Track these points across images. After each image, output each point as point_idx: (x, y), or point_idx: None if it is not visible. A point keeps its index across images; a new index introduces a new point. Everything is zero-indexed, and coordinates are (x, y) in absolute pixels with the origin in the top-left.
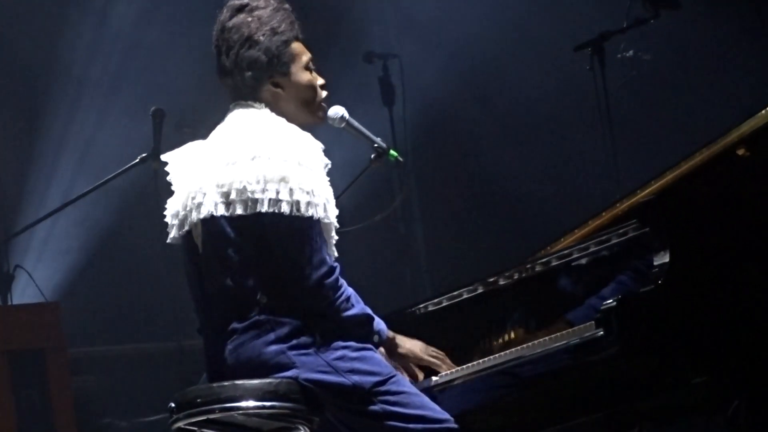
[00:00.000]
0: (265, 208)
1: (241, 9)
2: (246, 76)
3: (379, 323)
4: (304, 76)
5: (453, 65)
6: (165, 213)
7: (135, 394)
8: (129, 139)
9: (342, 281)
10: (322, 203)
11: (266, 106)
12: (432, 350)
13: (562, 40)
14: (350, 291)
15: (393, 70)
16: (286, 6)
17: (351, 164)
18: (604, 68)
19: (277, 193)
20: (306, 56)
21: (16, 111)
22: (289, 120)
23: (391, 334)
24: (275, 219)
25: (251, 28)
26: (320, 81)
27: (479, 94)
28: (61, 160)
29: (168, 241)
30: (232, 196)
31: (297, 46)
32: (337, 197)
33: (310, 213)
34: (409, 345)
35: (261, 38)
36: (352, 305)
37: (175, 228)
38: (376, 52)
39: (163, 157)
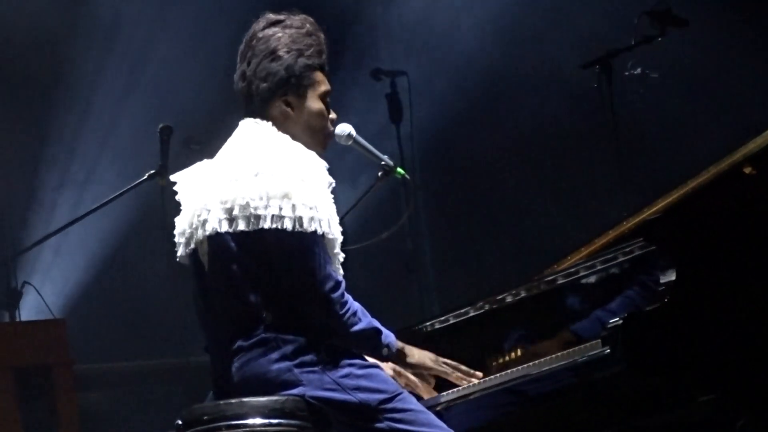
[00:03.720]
0: (268, 224)
1: (276, 23)
2: (261, 87)
3: (387, 335)
4: (317, 105)
5: (460, 82)
6: (173, 231)
7: (141, 411)
8: (136, 156)
9: (348, 296)
10: (326, 218)
11: (273, 124)
12: (443, 361)
13: (569, 58)
14: (357, 305)
15: (401, 87)
16: (321, 34)
17: (358, 182)
18: (611, 86)
19: (280, 209)
20: (324, 87)
21: (24, 127)
22: (293, 140)
23: (400, 344)
24: (278, 235)
25: (280, 43)
26: (332, 116)
27: (486, 112)
28: (68, 177)
29: (177, 259)
30: (236, 212)
31: (319, 75)
32: (344, 214)
33: (313, 228)
34: (419, 355)
35: (286, 55)
36: (360, 319)
37: (182, 246)
38: (384, 69)
39: (173, 177)
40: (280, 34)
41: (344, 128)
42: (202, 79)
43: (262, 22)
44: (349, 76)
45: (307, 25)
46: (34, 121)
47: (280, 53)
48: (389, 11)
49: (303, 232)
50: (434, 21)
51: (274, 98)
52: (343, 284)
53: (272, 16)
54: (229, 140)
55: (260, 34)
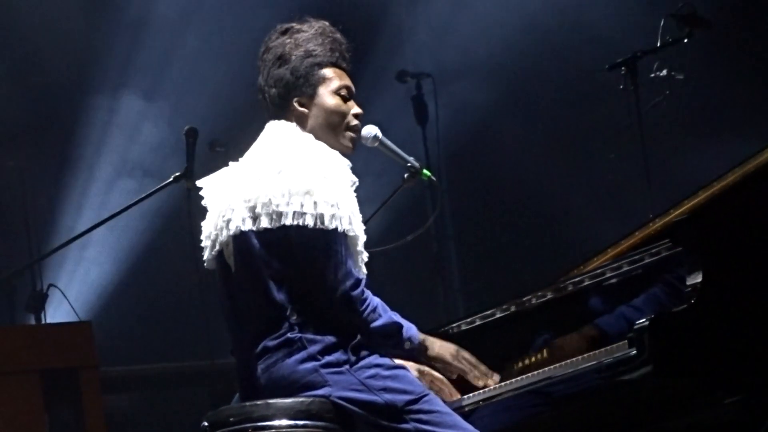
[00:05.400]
0: (289, 221)
1: (285, 32)
2: (272, 93)
3: (409, 329)
4: (331, 101)
5: (486, 84)
6: (199, 233)
7: (167, 413)
8: (162, 159)
9: (368, 292)
10: (347, 216)
11: (297, 125)
12: (464, 355)
13: (595, 60)
14: (376, 301)
15: (426, 89)
16: (333, 33)
17: (384, 184)
18: (637, 88)
19: (302, 205)
20: (338, 82)
21: (49, 130)
22: (317, 139)
23: (421, 336)
24: (300, 231)
25: (285, 49)
26: (355, 110)
27: (512, 113)
28: (94, 179)
29: (205, 265)
30: (258, 209)
31: (330, 71)
32: (370, 216)
33: (334, 225)
34: (439, 349)
35: (292, 58)
36: (379, 315)
37: (208, 249)
38: (410, 71)
39: (199, 183)
40: (288, 41)
41: (370, 130)
42: (227, 81)
43: (273, 35)
44: (375, 78)
45: (316, 27)
46: (60, 123)
47: (286, 57)
48: (414, 13)
49: (324, 229)
50: (459, 23)
51: (288, 102)
52: (364, 282)
53: (282, 26)
54: (256, 143)
55: (270, 45)
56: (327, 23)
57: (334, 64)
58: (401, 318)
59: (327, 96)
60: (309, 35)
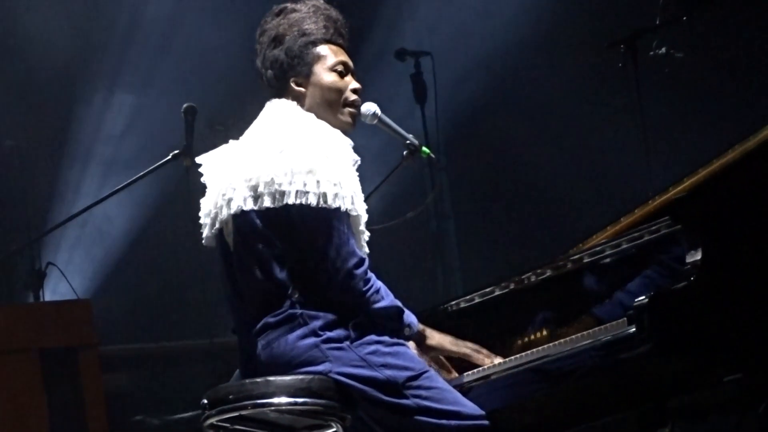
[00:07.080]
0: (292, 200)
1: (279, 13)
2: (269, 75)
3: (409, 316)
4: (327, 78)
5: (485, 62)
6: (198, 213)
7: (167, 392)
8: (161, 137)
9: (371, 274)
10: (350, 195)
11: (297, 104)
12: (463, 344)
13: (594, 38)
14: (379, 283)
15: (425, 67)
16: (326, 10)
17: (383, 161)
18: (636, 66)
19: (304, 184)
20: (334, 59)
21: (48, 108)
22: (318, 118)
23: (421, 326)
24: (302, 210)
25: (279, 30)
26: (353, 85)
27: (511, 92)
28: (93, 157)
29: (203, 242)
30: (261, 189)
31: (325, 48)
32: (369, 194)
33: (337, 204)
34: (439, 338)
35: (286, 38)
36: (382, 297)
37: (207, 227)
38: (409, 49)
39: (198, 159)
40: (282, 21)
41: (369, 107)
42: (226, 59)
43: (268, 17)
44: (374, 56)
45: (310, 6)
46: (60, 101)
47: (281, 38)
48: None
49: (327, 207)
50: (458, 0)
51: (285, 83)
52: (367, 261)
53: (276, 7)
54: (256, 121)
55: (266, 27)
56: (321, 1)
57: (328, 41)
58: (402, 305)
59: (323, 73)
60: (302, 14)
